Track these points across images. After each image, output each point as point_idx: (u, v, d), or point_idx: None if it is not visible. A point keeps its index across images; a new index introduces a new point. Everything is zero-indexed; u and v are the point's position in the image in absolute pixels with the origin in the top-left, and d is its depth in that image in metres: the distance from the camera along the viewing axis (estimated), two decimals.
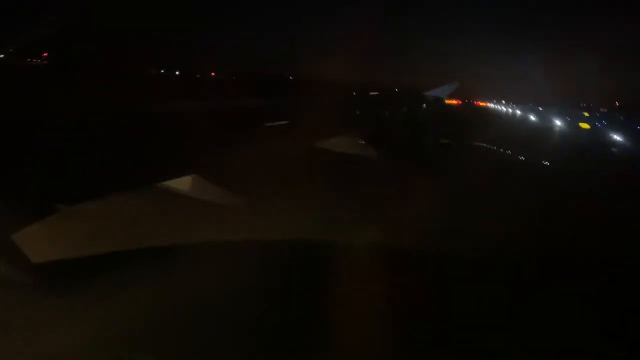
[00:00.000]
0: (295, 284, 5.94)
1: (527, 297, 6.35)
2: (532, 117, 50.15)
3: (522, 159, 18.95)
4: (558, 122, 41.82)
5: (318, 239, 7.43)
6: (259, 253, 6.57)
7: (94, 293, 5.11)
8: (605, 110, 56.12)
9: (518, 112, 59.47)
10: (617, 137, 30.87)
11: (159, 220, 7.09)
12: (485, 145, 21.39)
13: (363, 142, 14.74)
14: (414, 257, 7.26)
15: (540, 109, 56.18)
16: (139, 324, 4.70)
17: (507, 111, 63.49)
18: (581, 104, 60.32)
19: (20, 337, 4.48)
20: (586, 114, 50.97)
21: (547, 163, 18.52)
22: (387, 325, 5.20)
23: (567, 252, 8.28)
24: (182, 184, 7.29)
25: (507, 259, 7.58)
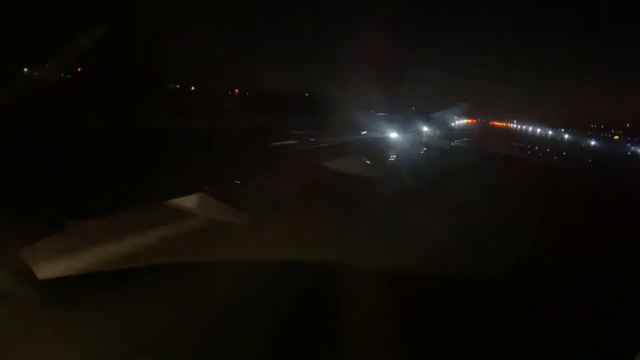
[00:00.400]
0: (302, 300, 5.93)
1: (532, 310, 6.29)
2: (593, 143, 44.29)
3: None
4: None
5: (325, 256, 7.44)
6: (266, 271, 6.60)
7: (100, 309, 5.16)
8: (622, 132, 52.17)
9: (566, 136, 50.42)
10: None
11: (167, 237, 7.16)
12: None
13: (370, 162, 14.82)
14: (421, 275, 7.22)
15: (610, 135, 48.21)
16: (146, 340, 4.73)
17: (545, 133, 53.28)
18: (592, 125, 56.85)
19: (27, 352, 4.52)
20: (617, 137, 47.40)
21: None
22: (392, 343, 5.19)
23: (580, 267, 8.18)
24: (190, 202, 7.38)
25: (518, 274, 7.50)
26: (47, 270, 5.59)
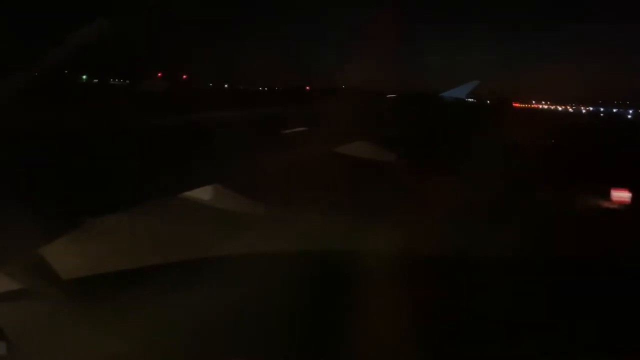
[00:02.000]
0: (315, 289, 5.92)
1: (540, 301, 6.22)
2: None
3: None
4: None
5: (338, 245, 7.41)
6: (281, 261, 6.59)
7: (122, 305, 5.17)
8: None
9: None
10: None
11: (183, 231, 7.15)
12: None
13: (381, 146, 14.66)
14: (432, 263, 7.18)
15: None
16: (167, 336, 4.73)
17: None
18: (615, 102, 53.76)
19: (51, 350, 4.54)
20: None
21: None
22: (403, 331, 5.16)
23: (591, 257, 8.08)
24: (204, 193, 7.34)
25: (525, 262, 7.43)
26: (67, 268, 5.59)
